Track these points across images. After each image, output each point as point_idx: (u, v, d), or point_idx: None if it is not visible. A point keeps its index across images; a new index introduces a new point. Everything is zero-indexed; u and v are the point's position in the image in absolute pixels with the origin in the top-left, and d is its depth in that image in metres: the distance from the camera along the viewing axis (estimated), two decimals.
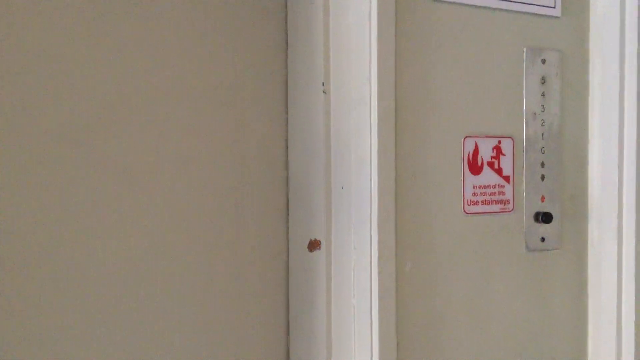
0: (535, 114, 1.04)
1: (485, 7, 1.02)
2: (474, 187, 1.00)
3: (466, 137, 0.99)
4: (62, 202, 0.91)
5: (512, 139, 1.03)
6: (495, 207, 1.01)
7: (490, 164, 1.01)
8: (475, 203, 1.00)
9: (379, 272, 0.94)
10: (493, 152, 1.01)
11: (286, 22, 1.08)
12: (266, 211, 1.06)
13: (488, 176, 1.01)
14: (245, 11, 1.04)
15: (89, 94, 0.93)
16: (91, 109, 0.93)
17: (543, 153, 1.05)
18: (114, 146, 0.94)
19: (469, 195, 0.99)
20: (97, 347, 0.93)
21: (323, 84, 0.99)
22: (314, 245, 1.01)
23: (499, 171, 1.02)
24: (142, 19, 0.96)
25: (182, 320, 1.00)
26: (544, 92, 1.05)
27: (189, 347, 1.00)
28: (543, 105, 1.05)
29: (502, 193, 1.02)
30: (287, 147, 1.08)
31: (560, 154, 1.07)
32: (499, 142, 1.02)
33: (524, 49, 1.04)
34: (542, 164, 1.05)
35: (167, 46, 0.98)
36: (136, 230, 0.96)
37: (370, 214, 0.94)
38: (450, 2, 0.99)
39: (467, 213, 1.00)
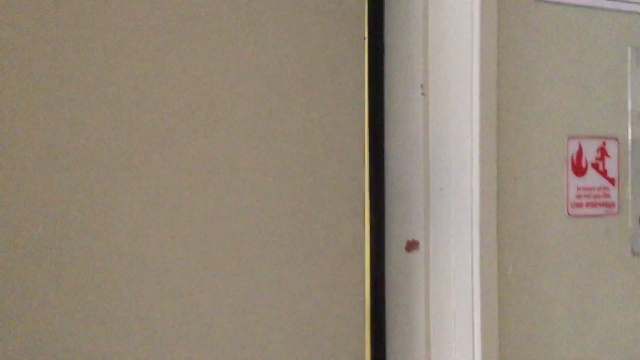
0: None
1: (587, 7, 1.00)
2: (578, 188, 0.98)
3: (570, 137, 0.98)
4: (141, 203, 0.90)
5: (617, 140, 1.00)
6: (600, 210, 0.99)
7: (595, 166, 0.99)
8: (579, 205, 0.98)
9: (481, 275, 0.93)
10: (597, 153, 0.99)
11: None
12: (343, 212, 1.04)
13: (592, 178, 0.98)
14: (323, 8, 1.03)
15: (169, 95, 0.91)
16: (171, 111, 0.92)
17: None
18: (194, 146, 0.93)
19: (572, 197, 0.97)
20: (180, 346, 0.92)
21: (422, 86, 1.00)
22: (412, 245, 1.01)
23: (603, 173, 0.99)
24: (217, 16, 0.94)
25: (269, 322, 0.97)
26: None
27: (276, 347, 0.99)
28: None
29: (607, 195, 0.99)
30: (364, 146, 1.06)
31: None
32: (604, 143, 0.99)
33: (629, 48, 1.02)
34: None
35: (246, 45, 0.96)
36: (215, 231, 0.94)
37: (472, 216, 0.94)
38: (553, 2, 0.98)
39: (570, 215, 0.98)
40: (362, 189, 1.06)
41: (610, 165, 1.00)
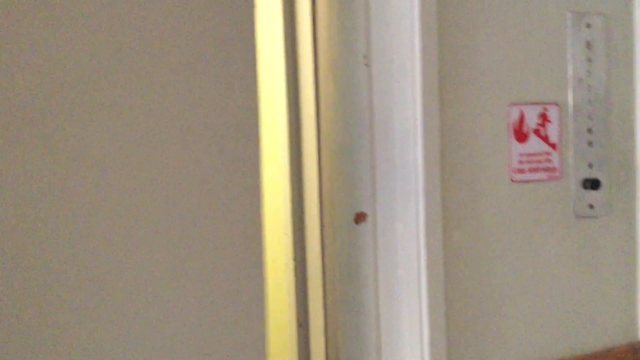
0: (581, 79, 1.03)
1: None
2: (521, 155, 0.99)
3: (511, 104, 0.98)
4: (32, 201, 0.80)
5: (558, 106, 1.01)
6: (543, 175, 1.00)
7: (537, 132, 1.00)
8: (522, 171, 0.99)
9: (426, 243, 0.94)
10: (539, 119, 1.00)
11: None
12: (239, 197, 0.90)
13: (534, 144, 1.00)
14: None
15: (49, 72, 0.79)
16: (51, 88, 0.79)
17: (590, 119, 1.04)
18: (80, 129, 0.81)
19: (515, 164, 0.99)
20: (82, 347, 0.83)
21: (364, 57, 0.99)
22: (360, 217, 1.02)
23: (545, 138, 1.00)
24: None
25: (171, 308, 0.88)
26: (589, 57, 1.03)
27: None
28: (589, 71, 1.03)
29: (549, 160, 1.01)
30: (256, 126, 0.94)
31: (607, 120, 1.05)
32: (545, 108, 1.00)
33: (568, 14, 1.02)
34: (589, 130, 1.04)
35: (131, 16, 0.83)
36: (143, 198, 0.84)
37: (416, 186, 0.94)
38: None
39: (513, 181, 0.99)
40: (257, 170, 0.91)
41: (552, 131, 1.01)
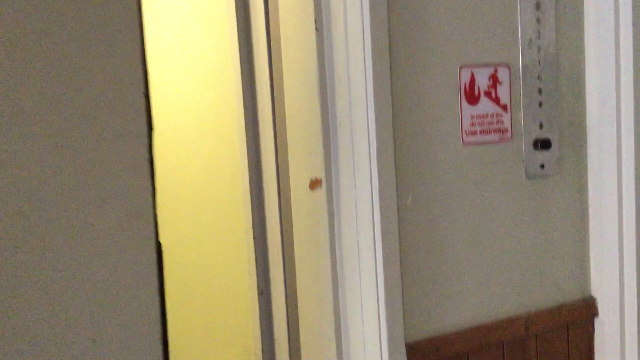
0: (531, 40, 1.04)
1: None
2: (472, 117, 1.00)
3: (462, 66, 0.99)
4: None
5: (509, 67, 1.02)
6: (494, 136, 1.02)
7: (487, 93, 1.01)
8: (474, 133, 1.00)
9: (381, 207, 0.95)
10: (490, 81, 1.01)
11: None
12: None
13: (485, 105, 1.00)
14: None
15: None
16: None
17: (540, 80, 1.05)
18: None
19: (467, 126, 0.99)
20: None
21: (315, 21, 0.98)
22: (315, 183, 1.02)
23: (496, 100, 1.01)
24: None
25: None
26: (539, 17, 1.04)
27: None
28: (539, 32, 1.04)
29: (500, 122, 1.02)
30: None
31: (557, 80, 1.06)
32: (495, 70, 1.01)
33: None
34: (540, 91, 1.05)
35: None
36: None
37: (369, 150, 0.95)
38: None
39: (465, 143, 1.00)
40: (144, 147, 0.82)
41: (502, 92, 1.02)
